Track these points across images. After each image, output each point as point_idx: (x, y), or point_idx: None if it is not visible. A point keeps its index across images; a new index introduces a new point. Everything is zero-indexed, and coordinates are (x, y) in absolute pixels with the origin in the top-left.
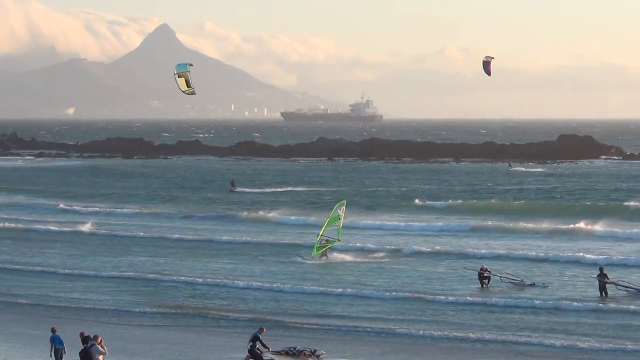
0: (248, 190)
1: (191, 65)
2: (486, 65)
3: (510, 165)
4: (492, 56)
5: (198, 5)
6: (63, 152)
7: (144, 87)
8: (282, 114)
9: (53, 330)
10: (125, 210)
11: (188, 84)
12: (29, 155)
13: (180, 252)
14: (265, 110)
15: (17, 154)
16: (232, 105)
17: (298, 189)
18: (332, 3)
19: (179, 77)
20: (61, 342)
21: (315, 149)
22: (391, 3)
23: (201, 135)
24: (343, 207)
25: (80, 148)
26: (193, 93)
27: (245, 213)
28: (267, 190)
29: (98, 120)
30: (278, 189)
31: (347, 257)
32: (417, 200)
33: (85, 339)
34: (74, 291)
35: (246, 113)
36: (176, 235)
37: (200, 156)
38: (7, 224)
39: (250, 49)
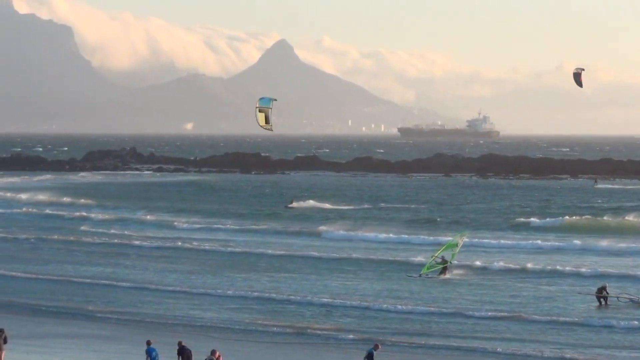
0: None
1: (275, 100)
2: (577, 76)
3: (596, 182)
4: (583, 68)
5: (317, 21)
6: (181, 167)
7: None
8: (399, 129)
9: (148, 343)
10: (228, 225)
11: (267, 120)
12: (147, 170)
13: (288, 268)
14: (383, 126)
15: (136, 169)
16: (350, 121)
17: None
18: (450, 19)
19: (259, 111)
20: (156, 355)
21: (433, 165)
22: (509, 19)
23: (320, 151)
24: (464, 238)
25: (198, 163)
26: (270, 130)
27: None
28: (345, 207)
29: (216, 135)
30: (365, 205)
31: (466, 275)
32: (533, 218)
33: (181, 348)
34: (196, 308)
35: (363, 129)
36: (279, 252)
37: (317, 171)
38: (117, 240)
39: (368, 64)
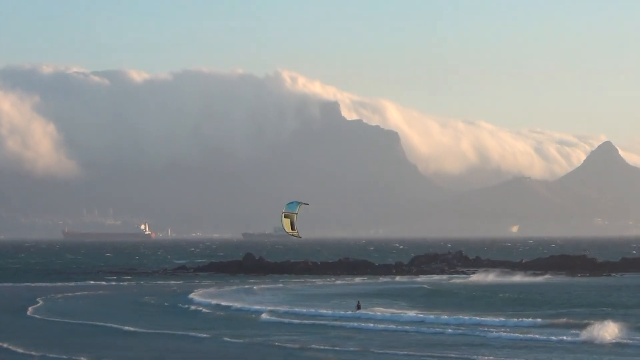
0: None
1: (307, 204)
2: None
3: None
4: None
5: None
6: (507, 270)
7: (587, 204)
8: None
9: None
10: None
11: (292, 226)
12: (472, 273)
13: None
14: None
15: (462, 272)
16: None
17: None
18: None
19: (285, 217)
20: None
21: None
22: None
23: None
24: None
25: (524, 266)
26: (298, 237)
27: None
28: None
29: (542, 237)
30: None
31: None
32: None
33: None
34: None
35: None
36: None
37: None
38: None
39: None
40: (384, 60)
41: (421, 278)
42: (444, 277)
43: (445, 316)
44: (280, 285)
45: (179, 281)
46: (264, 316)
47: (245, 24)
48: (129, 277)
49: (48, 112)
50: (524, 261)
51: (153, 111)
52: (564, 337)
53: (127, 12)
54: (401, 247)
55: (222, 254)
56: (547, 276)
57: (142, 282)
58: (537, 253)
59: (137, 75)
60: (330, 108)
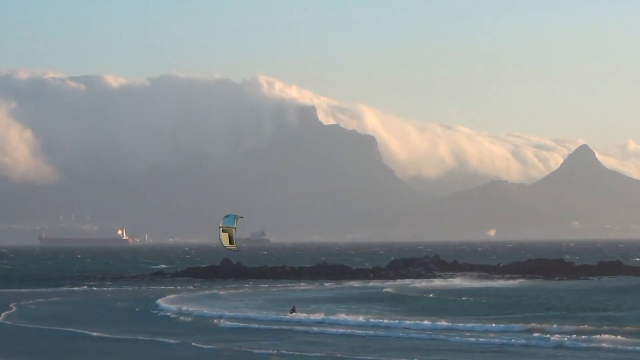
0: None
1: (241, 217)
2: None
3: None
4: None
5: (620, 126)
6: (485, 273)
7: (564, 208)
8: None
9: None
10: None
11: (231, 241)
12: (451, 277)
13: None
14: None
15: (439, 276)
16: None
17: None
18: None
19: (222, 231)
20: None
21: None
22: None
23: (626, 256)
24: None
25: (501, 269)
26: (235, 250)
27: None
28: None
29: (519, 241)
30: None
31: None
32: None
33: None
34: None
35: None
36: None
37: (620, 276)
38: None
39: None
40: (361, 65)
41: (397, 282)
42: (420, 281)
43: (408, 321)
44: (248, 290)
45: (155, 286)
46: (222, 322)
47: (222, 29)
48: (107, 282)
49: (24, 118)
50: (501, 265)
51: (130, 116)
52: (535, 342)
53: (104, 17)
54: (382, 252)
55: (199, 259)
56: (521, 280)
57: (117, 288)
58: (514, 257)
59: (114, 81)
60: (307, 112)
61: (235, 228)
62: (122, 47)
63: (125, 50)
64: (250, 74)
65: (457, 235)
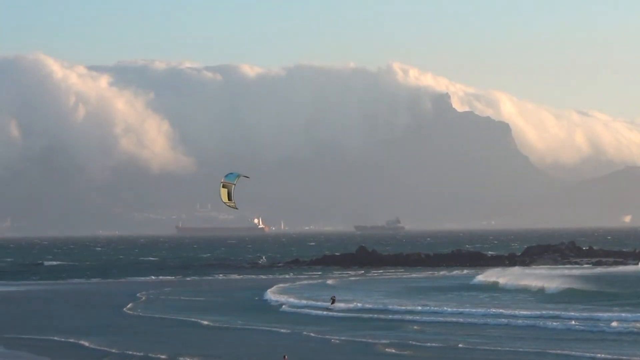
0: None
1: (247, 177)
2: None
3: None
4: None
5: None
6: (621, 259)
7: None
8: None
9: None
10: None
11: (229, 197)
12: (587, 263)
13: None
14: None
15: (575, 262)
16: None
17: None
18: None
19: (222, 186)
20: None
21: None
22: None
23: None
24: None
25: (637, 255)
26: (235, 208)
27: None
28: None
29: None
30: None
31: None
32: None
33: None
34: None
35: None
36: None
37: None
38: None
39: None
40: (497, 51)
41: (532, 269)
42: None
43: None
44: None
45: (289, 274)
46: (333, 312)
47: (357, 18)
48: (238, 270)
49: (162, 109)
50: (637, 251)
51: (265, 106)
52: None
53: (239, 6)
54: (514, 238)
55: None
56: None
57: (244, 276)
58: None
59: (250, 70)
60: (442, 100)
61: (234, 184)
62: (259, 36)
63: (262, 40)
64: (385, 62)
65: (591, 221)
